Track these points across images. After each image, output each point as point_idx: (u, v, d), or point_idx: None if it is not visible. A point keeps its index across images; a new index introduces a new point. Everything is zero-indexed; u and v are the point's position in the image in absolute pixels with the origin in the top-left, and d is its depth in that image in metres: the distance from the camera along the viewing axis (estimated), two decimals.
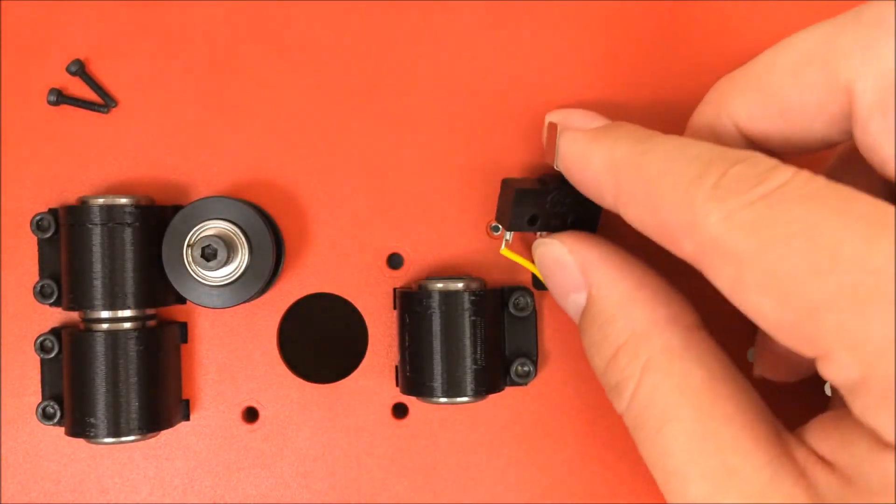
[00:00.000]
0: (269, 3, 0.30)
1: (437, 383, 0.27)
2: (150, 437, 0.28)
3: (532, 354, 0.29)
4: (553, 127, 0.26)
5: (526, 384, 0.29)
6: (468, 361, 0.27)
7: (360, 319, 0.30)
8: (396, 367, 0.29)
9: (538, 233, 0.27)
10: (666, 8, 0.29)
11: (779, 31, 0.29)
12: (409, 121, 0.29)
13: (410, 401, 0.29)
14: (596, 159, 0.24)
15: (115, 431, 0.27)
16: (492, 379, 0.28)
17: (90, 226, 0.27)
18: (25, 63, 0.30)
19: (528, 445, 0.29)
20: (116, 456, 0.29)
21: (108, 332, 0.27)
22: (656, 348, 0.23)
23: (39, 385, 0.29)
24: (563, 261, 0.25)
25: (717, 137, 0.25)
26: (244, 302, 0.28)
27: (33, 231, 0.28)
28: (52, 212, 0.29)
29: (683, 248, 0.21)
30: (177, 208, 0.28)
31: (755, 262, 0.19)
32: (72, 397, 0.27)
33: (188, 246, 0.27)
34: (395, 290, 0.29)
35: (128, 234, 0.27)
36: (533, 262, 0.27)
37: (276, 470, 0.29)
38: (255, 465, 0.29)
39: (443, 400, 0.27)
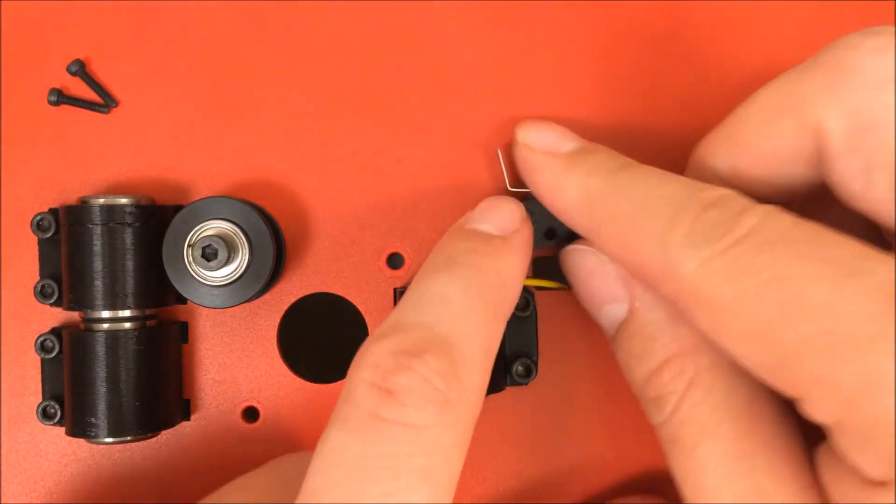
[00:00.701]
0: (270, 3, 0.30)
1: None
2: (151, 437, 0.28)
3: (532, 354, 0.29)
4: (505, 150, 0.26)
5: (526, 384, 0.29)
6: None
7: (360, 319, 0.30)
8: None
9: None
10: (664, 10, 0.30)
11: (774, 39, 0.29)
12: (410, 121, 0.29)
13: None
14: (570, 190, 0.24)
15: (116, 431, 0.27)
16: (492, 379, 0.28)
17: (90, 226, 0.27)
18: (26, 63, 0.30)
19: (528, 445, 0.29)
20: (116, 456, 0.29)
21: (108, 332, 0.27)
22: (702, 366, 0.23)
23: (40, 385, 0.29)
24: (602, 271, 0.25)
25: None
26: (244, 302, 0.28)
27: (34, 231, 0.28)
28: (53, 212, 0.29)
29: (661, 289, 0.22)
30: (177, 208, 0.28)
31: (731, 310, 0.20)
32: (72, 397, 0.27)
33: (189, 246, 0.27)
34: (395, 290, 0.29)
35: (128, 234, 0.27)
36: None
37: None
38: (255, 465, 0.29)
39: None
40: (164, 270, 0.27)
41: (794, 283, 0.19)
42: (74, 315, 0.29)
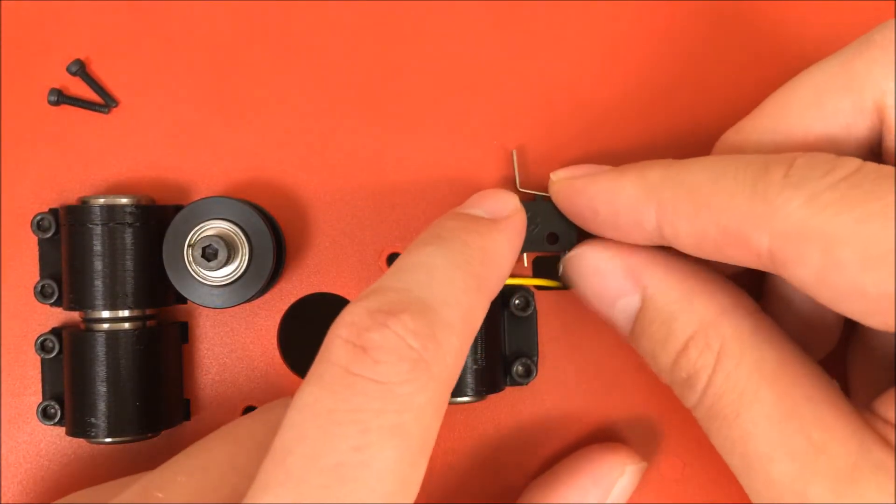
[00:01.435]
0: (270, 3, 0.30)
1: None
2: (151, 437, 0.28)
3: (532, 354, 0.29)
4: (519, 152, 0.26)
5: (526, 384, 0.29)
6: (468, 361, 0.27)
7: None
8: None
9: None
10: (664, 10, 0.30)
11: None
12: (410, 121, 0.29)
13: None
14: (628, 187, 0.24)
15: (116, 431, 0.27)
16: (492, 379, 0.28)
17: (91, 226, 0.27)
18: (26, 63, 0.30)
19: (528, 445, 0.29)
20: (116, 456, 0.29)
21: (108, 332, 0.27)
22: (727, 335, 0.23)
23: (40, 385, 0.29)
24: (605, 268, 0.25)
25: None
26: (244, 302, 0.28)
27: (34, 231, 0.28)
28: (53, 212, 0.29)
29: (757, 244, 0.21)
30: (177, 208, 0.28)
31: (852, 238, 0.19)
32: (72, 397, 0.27)
33: (189, 246, 0.27)
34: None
35: (128, 234, 0.27)
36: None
37: None
38: None
39: None
40: (164, 270, 0.27)
41: None
42: (74, 315, 0.29)
